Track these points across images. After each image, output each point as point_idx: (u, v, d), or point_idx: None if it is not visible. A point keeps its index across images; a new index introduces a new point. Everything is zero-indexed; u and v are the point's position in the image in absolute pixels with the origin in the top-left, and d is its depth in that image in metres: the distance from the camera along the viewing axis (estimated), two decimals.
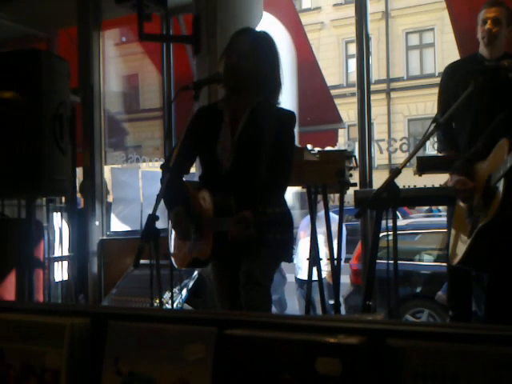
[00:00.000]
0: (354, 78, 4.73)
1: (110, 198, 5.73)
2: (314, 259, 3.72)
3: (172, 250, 2.59)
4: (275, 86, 2.48)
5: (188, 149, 2.40)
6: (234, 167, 2.41)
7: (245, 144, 2.41)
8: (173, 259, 2.57)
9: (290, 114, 2.49)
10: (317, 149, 3.64)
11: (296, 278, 6.40)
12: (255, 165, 2.35)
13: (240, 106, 2.47)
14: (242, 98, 2.47)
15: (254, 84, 2.43)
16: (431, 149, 4.31)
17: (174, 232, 2.56)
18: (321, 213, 4.15)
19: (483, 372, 1.00)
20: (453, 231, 2.44)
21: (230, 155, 2.42)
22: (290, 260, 2.61)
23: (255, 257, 2.38)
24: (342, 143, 7.44)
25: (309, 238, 3.78)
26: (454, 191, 2.41)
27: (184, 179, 2.65)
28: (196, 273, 3.91)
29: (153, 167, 5.94)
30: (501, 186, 2.08)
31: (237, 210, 2.28)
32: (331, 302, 4.03)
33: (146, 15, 4.44)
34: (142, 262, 2.11)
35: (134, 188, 5.73)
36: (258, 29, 2.66)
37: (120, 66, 6.33)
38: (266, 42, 2.50)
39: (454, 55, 4.93)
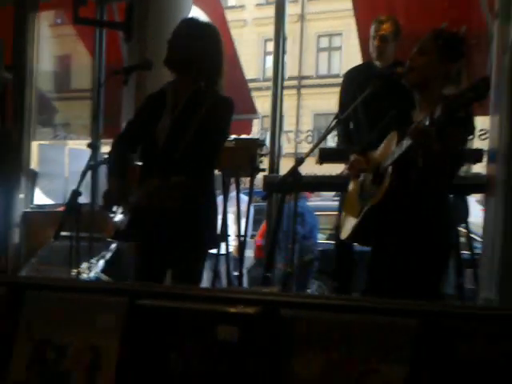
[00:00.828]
0: (270, 73, 4.74)
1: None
2: (223, 235, 3.73)
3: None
4: (215, 71, 2.41)
5: (134, 130, 2.36)
6: (167, 144, 2.36)
7: (179, 122, 2.36)
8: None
9: (226, 99, 2.44)
10: (232, 136, 3.63)
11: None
12: (187, 142, 2.30)
13: (182, 89, 2.42)
14: (184, 81, 2.42)
15: (194, 68, 2.38)
16: (332, 142, 4.43)
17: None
18: (232, 194, 4.16)
19: (362, 339, 1.05)
20: (343, 214, 2.52)
21: (164, 133, 2.38)
22: (216, 246, 2.57)
23: (184, 259, 2.33)
24: (255, 132, 7.47)
25: (220, 216, 3.79)
26: (349, 167, 2.45)
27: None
28: (114, 245, 3.81)
29: (80, 145, 5.70)
30: (388, 173, 2.16)
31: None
32: (236, 273, 4.06)
33: (81, 0, 4.22)
34: (63, 234, 2.04)
35: (59, 164, 5.49)
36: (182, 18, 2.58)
37: (53, 46, 6.01)
38: (210, 31, 2.45)
39: (357, 59, 5.05)
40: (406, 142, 2.04)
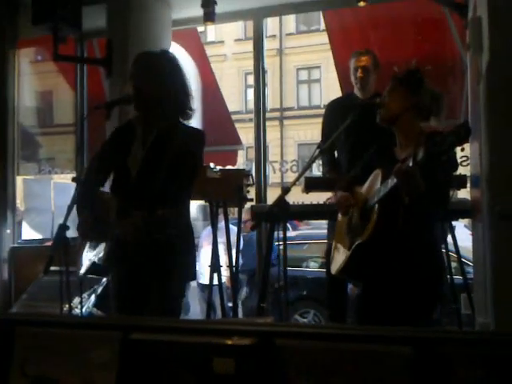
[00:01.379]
0: (251, 105, 4.80)
1: (21, 208, 5.41)
2: (215, 266, 3.71)
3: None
4: (183, 100, 2.39)
5: (103, 162, 2.31)
6: (140, 176, 2.35)
7: (152, 155, 2.33)
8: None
9: (198, 131, 2.45)
10: (218, 167, 3.64)
11: (198, 282, 6.33)
12: (159, 174, 2.28)
13: (151, 122, 2.41)
14: (153, 115, 2.41)
15: (159, 103, 2.37)
16: (317, 171, 4.47)
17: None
18: (221, 224, 4.15)
19: (354, 367, 1.04)
20: (334, 244, 2.52)
21: (137, 165, 2.36)
22: (194, 278, 2.54)
23: (163, 290, 2.30)
24: (240, 163, 7.51)
25: (210, 247, 3.76)
26: (337, 204, 2.48)
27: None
28: (105, 279, 3.77)
29: (64, 179, 5.66)
30: (374, 211, 2.20)
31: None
32: (230, 304, 4.02)
33: (61, 37, 4.25)
34: (52, 268, 2.01)
35: (45, 198, 5.45)
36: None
37: (35, 82, 6.03)
38: (166, 61, 2.41)
39: (336, 90, 5.15)
40: (391, 181, 2.09)
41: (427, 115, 2.29)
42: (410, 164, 1.97)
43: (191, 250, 2.47)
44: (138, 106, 2.38)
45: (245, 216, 4.23)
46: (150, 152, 2.35)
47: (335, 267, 2.42)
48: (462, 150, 1.88)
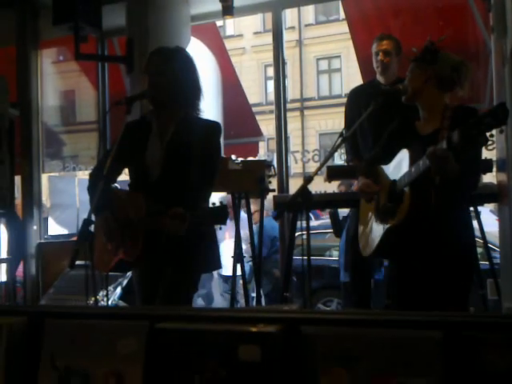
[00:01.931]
0: (272, 97, 4.78)
1: (47, 205, 5.51)
2: (238, 257, 3.72)
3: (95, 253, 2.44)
4: (195, 95, 2.41)
5: (116, 160, 2.27)
6: (163, 175, 2.35)
7: (172, 152, 2.35)
8: (96, 263, 2.42)
9: (214, 124, 2.44)
10: (240, 159, 3.64)
11: (220, 274, 6.37)
12: (182, 172, 2.30)
13: (167, 117, 2.41)
14: (169, 110, 2.42)
15: (174, 98, 2.38)
16: (339, 159, 4.44)
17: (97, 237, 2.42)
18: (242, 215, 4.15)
19: (382, 352, 1.03)
20: (361, 227, 2.50)
21: (158, 164, 2.35)
22: (219, 266, 2.55)
23: (181, 269, 2.32)
24: (262, 154, 7.52)
25: (232, 239, 3.77)
26: (359, 192, 2.47)
27: (116, 185, 2.55)
28: (130, 272, 3.81)
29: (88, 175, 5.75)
30: (406, 194, 2.16)
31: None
32: (253, 294, 4.03)
33: (82, 37, 4.30)
34: (77, 263, 2.03)
35: (70, 194, 5.54)
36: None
37: (57, 82, 6.12)
38: (179, 57, 2.44)
39: (357, 79, 5.10)
40: (423, 164, 2.04)
41: (450, 86, 2.25)
42: (444, 146, 1.93)
43: (214, 239, 2.48)
44: (154, 100, 2.39)
45: (253, 208, 4.25)
46: (170, 148, 2.35)
47: (368, 250, 2.40)
48: (501, 131, 1.82)
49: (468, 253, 2.29)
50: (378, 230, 2.32)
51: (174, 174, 2.31)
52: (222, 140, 2.47)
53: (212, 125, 2.43)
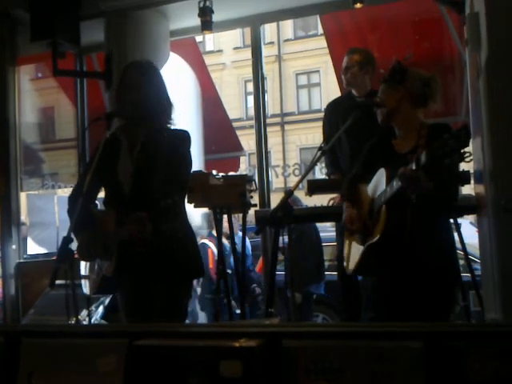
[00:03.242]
0: (252, 112, 4.81)
1: (26, 223, 5.42)
2: (222, 272, 3.70)
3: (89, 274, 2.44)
4: (165, 108, 2.42)
5: (93, 179, 2.25)
6: (134, 188, 2.34)
7: (142, 165, 2.34)
8: (87, 284, 2.40)
9: (182, 132, 2.44)
10: (221, 174, 3.63)
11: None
12: (153, 183, 2.27)
13: (136, 131, 2.41)
14: (137, 124, 2.43)
15: (145, 112, 2.38)
16: (319, 173, 4.46)
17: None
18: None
19: (364, 364, 1.03)
20: (347, 243, 2.51)
21: (129, 178, 2.35)
22: (203, 274, 2.54)
23: (168, 294, 2.31)
24: (243, 169, 7.52)
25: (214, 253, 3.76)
26: (343, 224, 2.48)
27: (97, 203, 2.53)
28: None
29: (68, 193, 5.68)
30: (382, 212, 2.19)
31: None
32: (238, 311, 4.00)
33: (60, 53, 4.29)
34: (58, 282, 2.00)
35: (49, 213, 5.46)
36: (160, 65, 2.59)
37: (36, 99, 6.08)
38: (153, 71, 2.46)
39: (336, 93, 5.14)
40: (397, 183, 2.09)
41: (423, 101, 2.31)
42: (414, 167, 1.97)
43: (195, 246, 2.46)
44: (131, 116, 2.39)
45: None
46: (140, 161, 2.35)
47: (350, 268, 2.41)
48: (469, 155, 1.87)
49: (449, 266, 2.30)
50: (359, 247, 2.33)
51: (144, 186, 2.31)
52: (192, 148, 2.44)
53: (180, 133, 2.43)
